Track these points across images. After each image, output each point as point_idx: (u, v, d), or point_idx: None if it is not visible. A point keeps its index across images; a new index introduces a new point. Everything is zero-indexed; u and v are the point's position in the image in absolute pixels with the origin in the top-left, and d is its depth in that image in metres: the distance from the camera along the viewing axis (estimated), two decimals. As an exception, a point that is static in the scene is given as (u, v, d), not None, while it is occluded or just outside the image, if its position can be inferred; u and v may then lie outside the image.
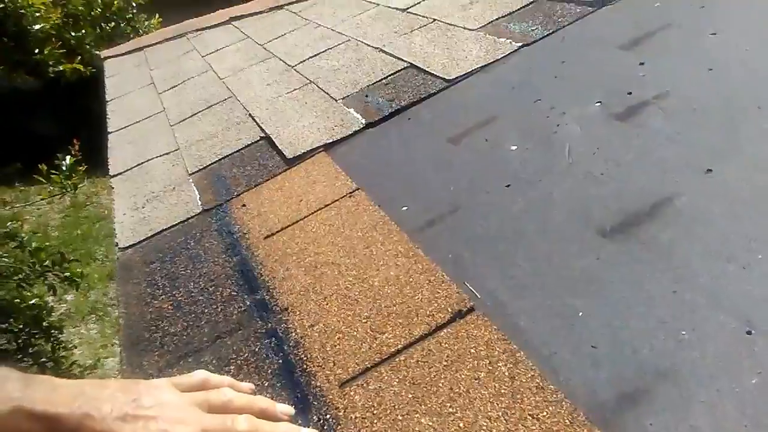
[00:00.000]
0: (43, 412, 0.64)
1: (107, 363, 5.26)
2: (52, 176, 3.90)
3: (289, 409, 0.81)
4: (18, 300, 3.87)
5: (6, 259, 3.83)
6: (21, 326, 3.92)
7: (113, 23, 6.82)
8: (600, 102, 1.25)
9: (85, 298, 6.03)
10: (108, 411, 0.66)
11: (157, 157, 1.87)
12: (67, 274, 4.04)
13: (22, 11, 4.43)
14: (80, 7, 6.26)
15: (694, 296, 0.79)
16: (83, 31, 6.24)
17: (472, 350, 0.84)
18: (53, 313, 4.38)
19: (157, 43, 3.30)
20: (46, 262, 3.88)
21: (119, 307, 1.25)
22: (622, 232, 0.93)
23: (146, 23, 7.20)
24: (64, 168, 3.86)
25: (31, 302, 3.97)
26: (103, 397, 0.68)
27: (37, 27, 4.66)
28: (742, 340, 0.72)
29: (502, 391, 0.77)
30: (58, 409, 0.65)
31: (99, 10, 6.55)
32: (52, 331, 4.13)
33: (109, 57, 3.36)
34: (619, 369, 0.75)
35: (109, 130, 2.27)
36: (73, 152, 3.89)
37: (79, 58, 4.85)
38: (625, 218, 0.95)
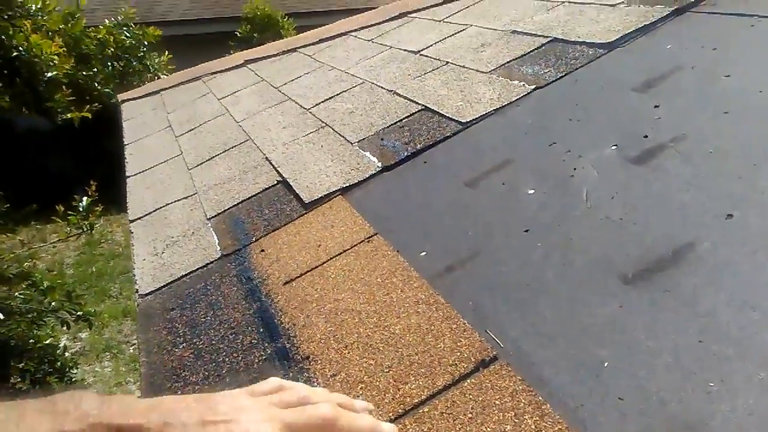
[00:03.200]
0: (120, 425, 0.64)
1: (121, 402, 5.22)
2: (69, 216, 3.95)
3: (369, 405, 0.80)
4: (32, 339, 3.89)
5: (20, 297, 3.86)
6: (35, 365, 3.93)
7: (124, 61, 6.97)
8: (616, 145, 1.25)
9: (99, 336, 6.03)
10: (186, 418, 0.66)
11: (175, 201, 1.89)
12: (80, 312, 4.06)
13: (36, 59, 4.54)
14: (92, 46, 6.40)
15: (721, 346, 0.79)
16: (95, 69, 6.36)
17: (497, 402, 0.83)
18: (67, 352, 4.39)
19: (173, 86, 3.36)
20: (57, 301, 3.91)
21: (140, 354, 1.26)
22: (644, 279, 0.93)
23: (156, 60, 7.35)
24: (81, 209, 3.91)
25: (46, 342, 3.98)
26: (180, 408, 0.67)
27: (49, 75, 4.76)
28: (772, 392, 0.71)
29: (529, 444, 0.76)
30: (136, 420, 0.64)
31: (111, 49, 6.69)
32: (66, 370, 4.13)
33: (127, 100, 3.43)
34: (647, 422, 0.74)
35: (127, 174, 2.30)
36: (89, 193, 3.94)
37: (88, 105, 4.95)
38: (647, 265, 0.95)
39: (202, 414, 0.66)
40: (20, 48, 4.23)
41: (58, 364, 4.01)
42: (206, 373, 1.12)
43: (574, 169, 1.24)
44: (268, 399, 0.73)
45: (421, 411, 0.87)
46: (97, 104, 5.01)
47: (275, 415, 0.69)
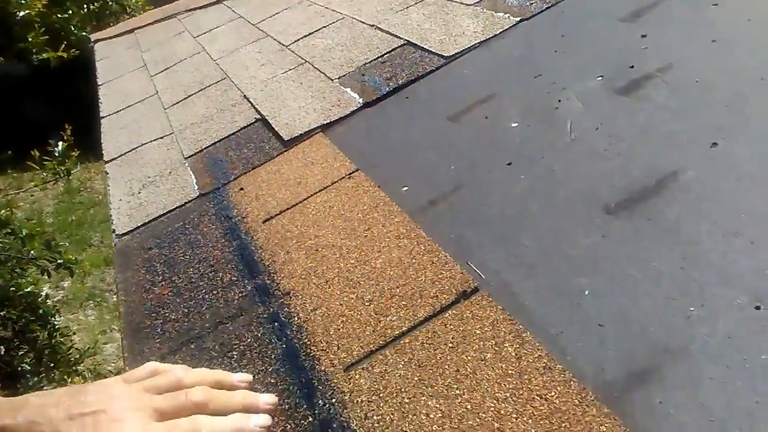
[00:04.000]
0: None
1: (106, 348, 5.27)
2: (45, 162, 3.86)
3: (247, 377, 0.79)
4: (12, 288, 3.86)
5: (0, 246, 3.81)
6: (17, 313, 3.91)
7: (100, 2, 6.72)
8: (602, 76, 1.23)
9: (82, 285, 6.02)
10: (54, 414, 0.66)
11: (151, 141, 1.85)
12: (61, 260, 4.02)
13: (7, -1, 4.36)
14: None
15: (702, 273, 0.78)
16: (69, 11, 6.13)
17: (478, 331, 0.83)
18: (49, 300, 4.38)
19: (147, 25, 3.25)
20: (37, 249, 3.86)
21: (119, 294, 1.24)
22: (627, 209, 0.92)
23: (133, 0, 7.09)
24: (56, 154, 3.81)
25: (27, 290, 3.96)
26: (49, 403, 0.67)
27: (21, 14, 4.57)
28: (751, 316, 0.71)
29: (509, 371, 0.76)
30: (3, 421, 0.64)
31: (85, -11, 6.44)
32: (48, 317, 4.12)
33: (100, 40, 3.31)
34: (627, 347, 0.74)
35: (101, 114, 2.24)
36: (65, 137, 3.83)
37: (65, 43, 4.77)
38: (630, 195, 0.94)
39: (70, 408, 0.66)
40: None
41: (41, 311, 3.99)
42: (186, 310, 1.11)
43: (559, 101, 1.22)
44: (141, 385, 0.72)
45: (402, 342, 0.86)
46: (74, 50, 4.84)
47: (147, 402, 0.69)
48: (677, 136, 1.01)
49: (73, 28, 6.10)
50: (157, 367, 0.76)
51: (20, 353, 3.98)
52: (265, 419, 0.71)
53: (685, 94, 1.09)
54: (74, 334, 5.12)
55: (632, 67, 1.21)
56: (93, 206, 7.41)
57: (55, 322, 4.19)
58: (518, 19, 1.58)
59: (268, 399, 0.74)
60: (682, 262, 0.81)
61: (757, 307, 0.72)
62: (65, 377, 3.70)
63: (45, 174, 3.86)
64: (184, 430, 0.67)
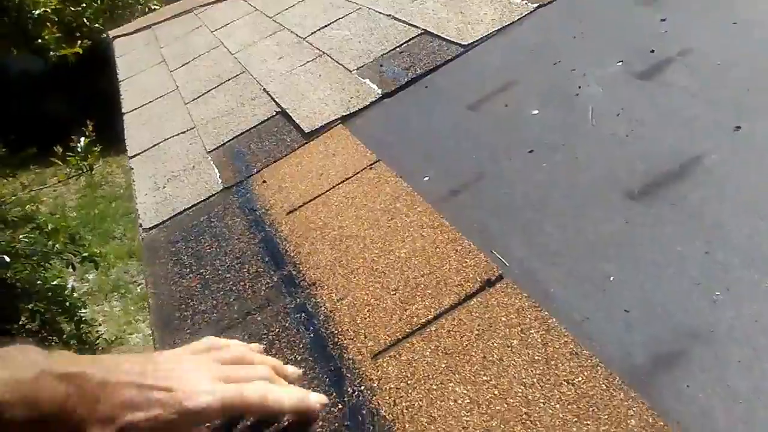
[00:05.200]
0: (66, 371, 0.67)
1: (131, 339, 5.36)
2: (68, 158, 3.92)
3: (298, 371, 0.86)
4: (39, 281, 3.94)
5: (24, 241, 3.89)
6: (44, 306, 3.99)
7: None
8: (622, 61, 1.22)
9: (106, 277, 6.11)
10: (128, 368, 0.71)
11: (174, 136, 1.87)
12: (85, 253, 4.09)
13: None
14: None
15: (727, 256, 0.79)
16: (83, 5, 6.19)
17: (503, 318, 0.84)
18: (75, 292, 4.46)
19: (165, 20, 3.27)
20: (61, 243, 3.94)
21: (148, 287, 1.27)
22: (650, 194, 0.92)
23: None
24: (79, 149, 3.87)
25: (53, 282, 4.03)
26: (122, 360, 0.73)
27: (37, 12, 4.63)
28: (778, 299, 0.71)
29: (536, 357, 0.77)
30: (81, 368, 0.67)
31: (99, -18, 6.49)
32: (75, 309, 4.20)
33: (118, 36, 3.34)
34: (653, 332, 0.74)
35: (123, 110, 2.27)
36: (87, 133, 3.89)
37: (79, 39, 4.83)
38: (653, 179, 0.94)
39: (144, 365, 0.72)
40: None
41: (67, 304, 4.06)
42: (214, 302, 1.13)
43: (579, 87, 1.21)
44: (208, 356, 0.79)
45: (428, 330, 0.88)
46: (87, 41, 4.89)
47: (217, 371, 0.75)
48: (699, 119, 1.00)
49: (86, 21, 6.16)
50: (217, 341, 0.83)
51: (48, 345, 4.06)
52: (322, 397, 0.80)
53: (706, 78, 1.08)
54: (100, 325, 5.21)
55: (652, 51, 1.20)
56: (115, 200, 7.51)
57: (81, 314, 4.27)
58: (536, 5, 1.57)
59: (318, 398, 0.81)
60: (707, 246, 0.81)
61: (784, 290, 0.72)
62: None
63: (68, 169, 3.92)
64: (253, 392, 0.73)
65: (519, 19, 1.56)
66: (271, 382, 0.77)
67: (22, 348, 0.69)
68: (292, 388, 0.80)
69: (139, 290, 5.85)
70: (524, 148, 1.14)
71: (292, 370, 0.85)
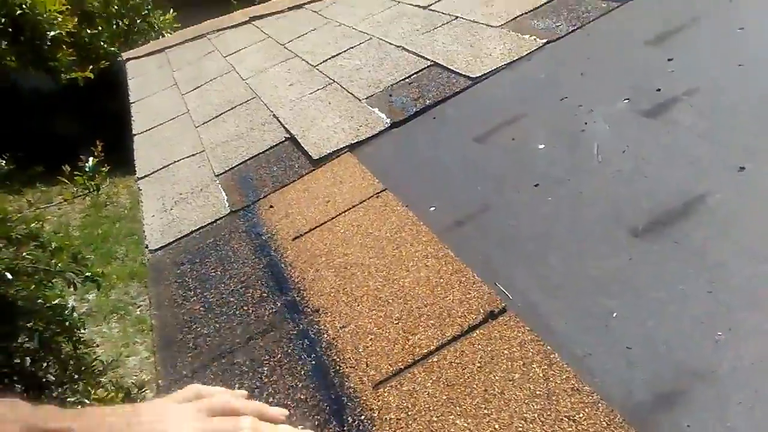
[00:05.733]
0: (52, 427, 0.67)
1: (129, 362, 5.33)
2: (76, 177, 3.95)
3: (283, 411, 0.83)
4: (40, 299, 3.93)
5: (27, 258, 3.89)
6: (43, 325, 3.97)
7: (129, 20, 6.87)
8: (628, 99, 1.24)
9: (106, 298, 6.10)
10: (113, 421, 0.69)
11: (183, 158, 1.89)
12: (88, 273, 4.08)
13: (39, 17, 4.48)
14: (96, 4, 6.31)
15: (730, 296, 0.79)
16: (99, 27, 6.28)
17: (506, 351, 0.84)
18: (75, 312, 4.44)
19: (178, 44, 3.33)
20: (64, 263, 3.93)
21: (151, 308, 1.27)
22: (654, 232, 0.93)
23: (162, 18, 7.23)
24: (87, 169, 3.90)
25: (54, 302, 4.02)
26: (107, 413, 0.71)
27: (52, 33, 4.70)
28: (780, 341, 0.71)
29: (537, 392, 0.77)
30: (66, 424, 0.67)
31: (115, 7, 6.59)
32: (74, 330, 4.18)
33: (131, 58, 3.40)
34: (655, 370, 0.75)
35: (134, 132, 2.30)
36: (96, 153, 3.92)
37: (91, 66, 4.90)
38: (658, 217, 0.95)
39: (129, 418, 0.70)
40: (23, 6, 4.18)
41: (67, 324, 4.05)
42: (217, 326, 1.13)
43: (585, 123, 1.23)
44: (194, 405, 0.77)
45: (430, 360, 0.88)
46: (103, 62, 4.96)
47: (203, 423, 0.74)
48: (704, 159, 1.02)
49: (102, 44, 6.25)
50: (200, 390, 0.81)
51: (45, 364, 4.03)
52: None
53: (712, 118, 1.10)
54: (98, 346, 5.18)
55: (659, 90, 1.22)
56: (119, 220, 7.53)
57: (80, 335, 4.25)
58: (544, 41, 1.60)
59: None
60: (710, 286, 0.81)
61: (786, 332, 0.72)
62: (89, 389, 3.74)
63: (75, 189, 3.94)
64: None
65: (528, 54, 1.59)
66: (256, 431, 0.76)
67: (9, 402, 0.70)
68: (279, 428, 0.79)
69: (138, 312, 5.83)
70: (530, 181, 1.15)
71: (277, 411, 0.83)
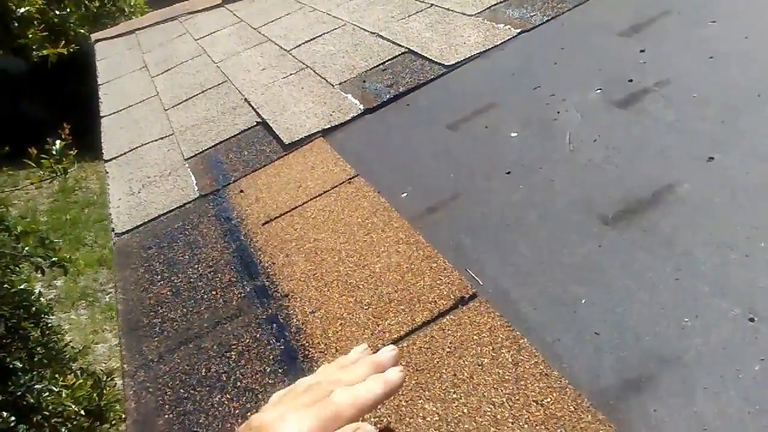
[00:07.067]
0: None
1: (98, 348, 5.25)
2: (42, 160, 3.85)
3: (393, 349, 0.73)
4: (6, 284, 3.84)
5: (-8, 243, 3.80)
6: (9, 310, 3.89)
7: (98, 2, 6.73)
8: (600, 89, 1.25)
9: (74, 284, 6.00)
10: None
11: (151, 141, 1.85)
12: (55, 258, 4.00)
13: (7, -6, 4.36)
14: None
15: (697, 283, 0.80)
16: (68, 10, 6.14)
17: (475, 337, 0.84)
18: (42, 298, 4.36)
19: (148, 26, 3.26)
20: (31, 247, 3.85)
21: (117, 292, 1.25)
22: (623, 220, 0.93)
23: (132, 2, 7.09)
24: (54, 152, 3.80)
25: (20, 287, 3.94)
26: None
27: (21, 10, 4.57)
28: (744, 328, 0.72)
29: (506, 377, 0.77)
30: None
31: (83, -11, 6.46)
32: (41, 315, 4.10)
33: (100, 40, 3.32)
34: (622, 355, 0.75)
35: (101, 114, 2.24)
36: (63, 136, 3.83)
37: (64, 40, 4.78)
38: (627, 206, 0.95)
39: None
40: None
41: (34, 309, 3.97)
42: (185, 310, 1.12)
43: (558, 112, 1.23)
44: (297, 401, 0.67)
45: (399, 346, 0.87)
46: (73, 45, 4.85)
47: (293, 402, 0.66)
48: (674, 149, 1.02)
49: (71, 25, 6.11)
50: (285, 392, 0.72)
51: (12, 350, 3.96)
52: (397, 371, 0.68)
53: (682, 109, 1.11)
54: (66, 333, 5.09)
55: (630, 80, 1.23)
56: (88, 206, 7.39)
57: (48, 321, 4.17)
58: (519, 30, 1.60)
59: (389, 351, 0.71)
60: (677, 273, 0.82)
61: (751, 319, 0.73)
62: (56, 375, 3.68)
63: (42, 172, 3.85)
64: (340, 400, 0.64)
65: (502, 43, 1.59)
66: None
67: None
68: (367, 379, 0.68)
69: (107, 299, 5.74)
70: (502, 169, 1.15)
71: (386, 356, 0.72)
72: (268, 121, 1.67)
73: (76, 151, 3.98)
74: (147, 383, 1.00)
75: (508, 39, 1.59)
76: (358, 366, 0.70)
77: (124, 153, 1.85)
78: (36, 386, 3.54)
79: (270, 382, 0.90)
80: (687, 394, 0.68)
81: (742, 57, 1.19)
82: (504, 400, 0.75)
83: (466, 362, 0.81)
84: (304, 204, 1.27)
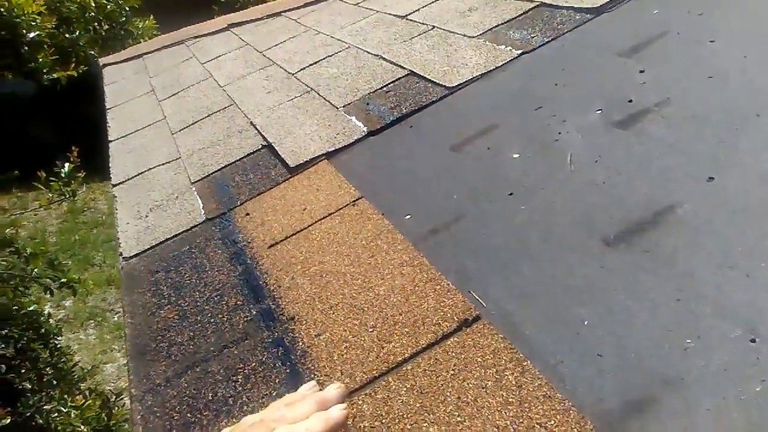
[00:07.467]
0: None
1: (106, 369, 5.26)
2: (51, 183, 3.89)
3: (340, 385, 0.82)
4: (15, 306, 3.87)
5: (2, 264, 3.83)
6: (19, 332, 3.91)
7: (107, 26, 6.82)
8: (601, 110, 1.26)
9: (83, 304, 6.02)
10: None
11: (159, 165, 1.88)
12: (64, 279, 4.03)
13: (17, 20, 4.43)
14: (73, 8, 6.26)
15: (698, 305, 0.80)
16: (77, 32, 6.24)
17: (479, 359, 0.85)
18: (51, 319, 4.38)
19: (155, 51, 3.31)
20: (40, 269, 3.88)
21: (125, 317, 1.26)
22: (625, 241, 0.94)
23: (141, 26, 7.18)
24: (63, 175, 3.85)
25: (29, 308, 3.96)
26: None
27: (31, 35, 4.65)
28: (746, 348, 0.73)
29: (510, 399, 0.78)
30: None
31: (92, 13, 6.55)
32: (50, 336, 4.12)
33: (108, 64, 3.37)
34: (624, 377, 0.76)
35: (109, 138, 2.27)
36: (71, 159, 3.88)
37: (74, 62, 4.86)
38: (628, 226, 0.96)
39: None
40: (1, 8, 4.13)
41: (43, 330, 3.99)
42: (191, 334, 1.13)
43: (559, 133, 1.24)
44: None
45: (404, 368, 0.88)
46: (83, 67, 4.92)
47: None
48: (674, 170, 1.03)
49: (81, 47, 6.20)
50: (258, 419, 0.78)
51: (22, 372, 3.97)
52: (339, 409, 0.76)
53: (682, 129, 1.12)
54: (75, 353, 5.11)
55: (630, 101, 1.24)
56: (96, 226, 7.43)
57: (57, 341, 4.19)
58: (520, 52, 1.62)
59: (335, 389, 0.79)
60: (679, 294, 0.83)
61: (753, 340, 0.73)
62: (65, 396, 3.68)
63: (51, 194, 3.89)
64: None
65: (503, 64, 1.61)
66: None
67: None
68: (310, 417, 0.75)
69: (116, 319, 5.76)
70: (504, 190, 1.16)
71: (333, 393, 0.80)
72: (273, 144, 1.69)
73: (84, 173, 4.02)
74: (155, 407, 1.01)
75: (510, 60, 1.61)
76: (304, 403, 0.77)
77: (132, 177, 1.87)
78: (45, 407, 3.55)
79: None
80: (689, 415, 0.69)
81: (741, 76, 1.20)
82: (508, 422, 0.75)
83: (470, 385, 0.82)
84: (309, 227, 1.29)
